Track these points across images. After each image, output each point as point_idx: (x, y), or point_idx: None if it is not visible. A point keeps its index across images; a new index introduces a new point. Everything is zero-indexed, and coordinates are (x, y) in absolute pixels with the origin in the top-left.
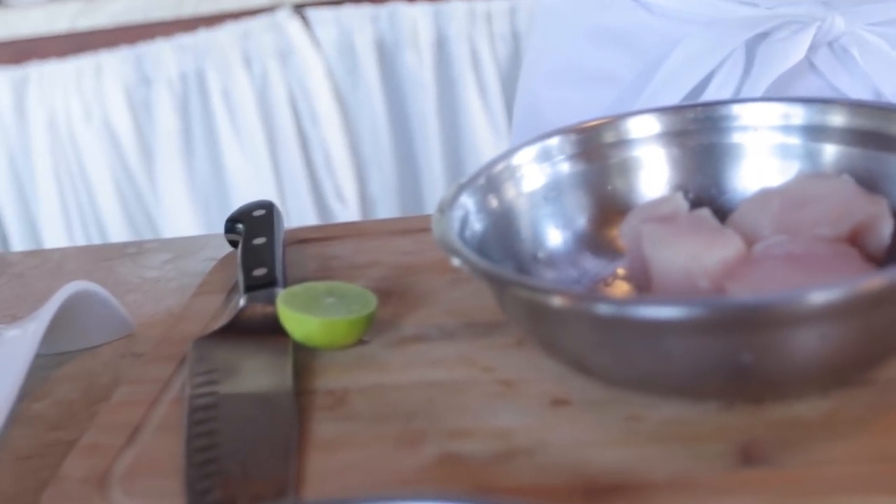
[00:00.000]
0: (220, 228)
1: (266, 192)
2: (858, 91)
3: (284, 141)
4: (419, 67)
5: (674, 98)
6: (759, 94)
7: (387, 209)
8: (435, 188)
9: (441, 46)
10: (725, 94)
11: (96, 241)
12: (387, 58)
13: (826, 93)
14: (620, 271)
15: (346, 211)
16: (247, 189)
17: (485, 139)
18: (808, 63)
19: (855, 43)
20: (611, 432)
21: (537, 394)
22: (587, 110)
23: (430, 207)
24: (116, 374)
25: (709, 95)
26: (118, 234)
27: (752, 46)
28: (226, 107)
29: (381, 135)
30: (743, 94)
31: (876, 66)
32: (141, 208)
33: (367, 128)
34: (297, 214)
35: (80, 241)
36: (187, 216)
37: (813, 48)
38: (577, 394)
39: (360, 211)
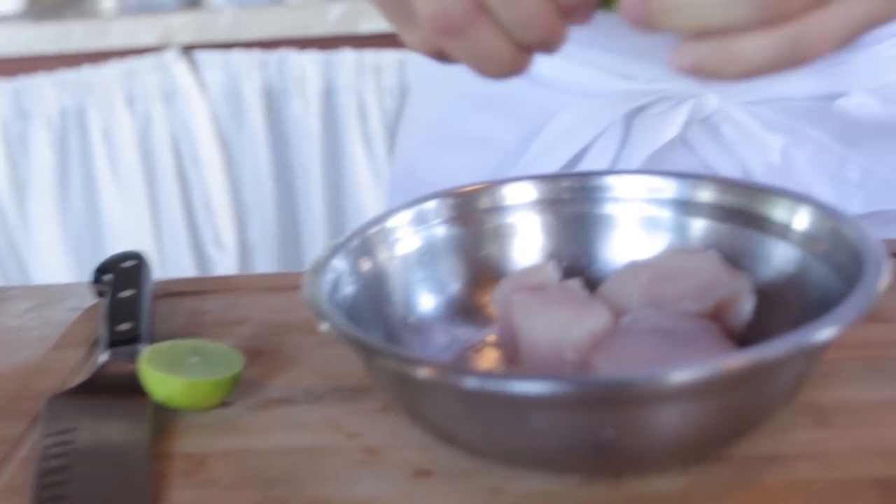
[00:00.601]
0: (94, 272)
1: (143, 236)
2: (728, 167)
3: (164, 184)
4: (306, 116)
5: (551, 167)
6: (634, 166)
7: (266, 257)
8: (316, 237)
9: (329, 96)
10: (602, 166)
11: None
12: (273, 104)
13: (698, 168)
14: (491, 338)
15: (225, 257)
16: (123, 232)
17: (368, 190)
18: (682, 138)
19: (727, 121)
20: None
21: (401, 462)
22: (464, 174)
23: (310, 258)
24: None
25: (585, 166)
26: None
27: (630, 120)
28: (106, 146)
29: (263, 182)
30: (619, 167)
31: (745, 145)
32: (10, 247)
33: (249, 174)
34: (174, 259)
35: None
36: (59, 258)
37: (687, 124)
38: (441, 463)
39: (239, 258)
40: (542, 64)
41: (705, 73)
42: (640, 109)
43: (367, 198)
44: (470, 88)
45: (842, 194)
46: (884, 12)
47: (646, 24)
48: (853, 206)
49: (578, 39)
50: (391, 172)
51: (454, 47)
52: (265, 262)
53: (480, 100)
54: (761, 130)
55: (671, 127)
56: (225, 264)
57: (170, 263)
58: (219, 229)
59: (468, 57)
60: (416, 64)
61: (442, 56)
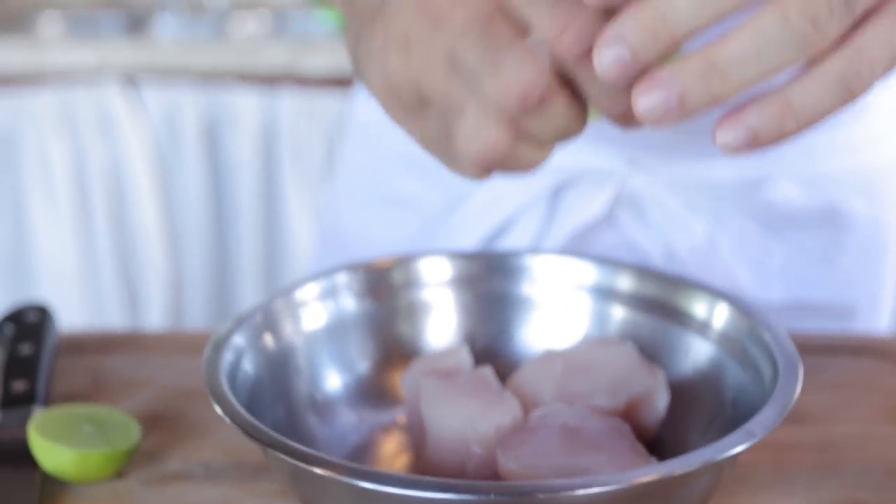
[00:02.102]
0: (18, 303)
1: (71, 266)
2: (654, 248)
3: (97, 214)
4: (243, 152)
5: (475, 234)
6: (559, 241)
7: (195, 291)
8: (246, 275)
9: (268, 134)
10: (526, 238)
11: None
12: (212, 138)
13: (623, 246)
14: (401, 419)
15: (154, 292)
16: (51, 262)
17: (301, 232)
18: (609, 217)
19: (652, 201)
20: None
21: None
22: (389, 236)
23: (240, 296)
24: None
25: (510, 237)
26: None
27: (556, 194)
28: (38, 173)
29: (198, 217)
30: (544, 240)
31: (670, 226)
32: None
33: (184, 208)
34: (103, 292)
35: None
36: None
37: (613, 203)
38: None
39: (170, 293)
40: None
41: (762, 141)
42: (567, 184)
43: (301, 238)
44: (402, 149)
45: (763, 280)
46: None
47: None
48: (774, 292)
49: None
50: (319, 223)
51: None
52: (193, 297)
53: (411, 161)
54: (686, 213)
55: (596, 205)
56: (155, 301)
57: (98, 298)
58: (150, 263)
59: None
60: (356, 115)
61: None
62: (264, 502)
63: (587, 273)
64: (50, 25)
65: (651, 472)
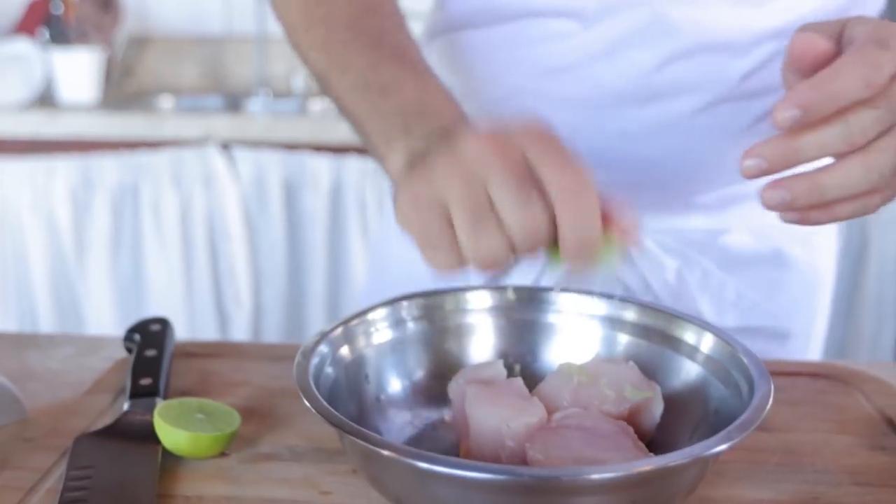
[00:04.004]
0: (135, 321)
1: (177, 293)
2: (634, 282)
3: (198, 251)
4: (316, 206)
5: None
6: (556, 275)
7: (274, 318)
8: (317, 305)
9: (336, 192)
10: (531, 273)
11: (27, 320)
12: (291, 194)
13: (610, 280)
14: (447, 418)
15: (241, 315)
16: (161, 288)
17: (362, 272)
18: None
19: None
20: None
21: None
22: (425, 268)
23: (310, 323)
24: (6, 455)
25: (517, 272)
26: (46, 315)
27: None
28: (153, 217)
29: (278, 257)
30: (544, 275)
31: (647, 265)
32: (69, 295)
33: (267, 249)
34: (200, 313)
35: (12, 319)
36: (108, 307)
37: None
38: None
39: (252, 317)
40: None
41: (797, 206)
42: None
43: (359, 276)
44: None
45: (720, 310)
46: None
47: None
48: (728, 320)
49: None
50: (370, 255)
51: None
52: (274, 321)
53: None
54: (661, 254)
55: None
56: (241, 321)
57: (196, 317)
58: (238, 292)
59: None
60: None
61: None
62: (338, 479)
63: (599, 306)
64: (165, 103)
65: (651, 463)
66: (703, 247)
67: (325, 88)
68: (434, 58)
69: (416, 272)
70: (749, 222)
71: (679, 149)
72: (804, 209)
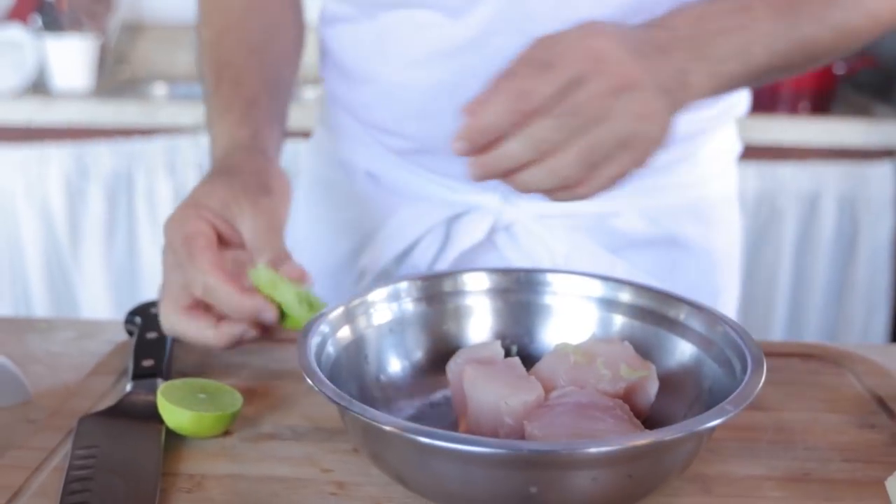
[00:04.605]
0: (129, 307)
1: None
2: (522, 265)
3: None
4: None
5: (390, 254)
6: (451, 259)
7: None
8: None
9: None
10: (427, 259)
11: (21, 305)
12: None
13: (500, 264)
14: (446, 397)
15: None
16: (156, 275)
17: None
18: (491, 242)
19: (523, 229)
20: None
21: (364, 497)
22: (329, 255)
23: None
24: (10, 436)
25: (415, 257)
26: (41, 302)
27: (450, 223)
28: (147, 204)
29: None
30: (440, 261)
31: (537, 249)
32: (64, 281)
33: None
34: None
35: (7, 305)
36: (102, 293)
37: (493, 230)
38: (396, 500)
39: None
40: (386, 169)
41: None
42: (458, 216)
43: None
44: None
45: None
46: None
47: None
48: None
49: (416, 159)
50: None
51: None
52: None
53: (345, 198)
54: (549, 238)
55: (479, 231)
56: None
57: None
58: None
59: None
60: (307, 161)
61: None
62: (339, 458)
63: (595, 288)
64: (159, 90)
65: (647, 437)
66: (591, 230)
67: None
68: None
69: (325, 253)
70: (639, 204)
71: None
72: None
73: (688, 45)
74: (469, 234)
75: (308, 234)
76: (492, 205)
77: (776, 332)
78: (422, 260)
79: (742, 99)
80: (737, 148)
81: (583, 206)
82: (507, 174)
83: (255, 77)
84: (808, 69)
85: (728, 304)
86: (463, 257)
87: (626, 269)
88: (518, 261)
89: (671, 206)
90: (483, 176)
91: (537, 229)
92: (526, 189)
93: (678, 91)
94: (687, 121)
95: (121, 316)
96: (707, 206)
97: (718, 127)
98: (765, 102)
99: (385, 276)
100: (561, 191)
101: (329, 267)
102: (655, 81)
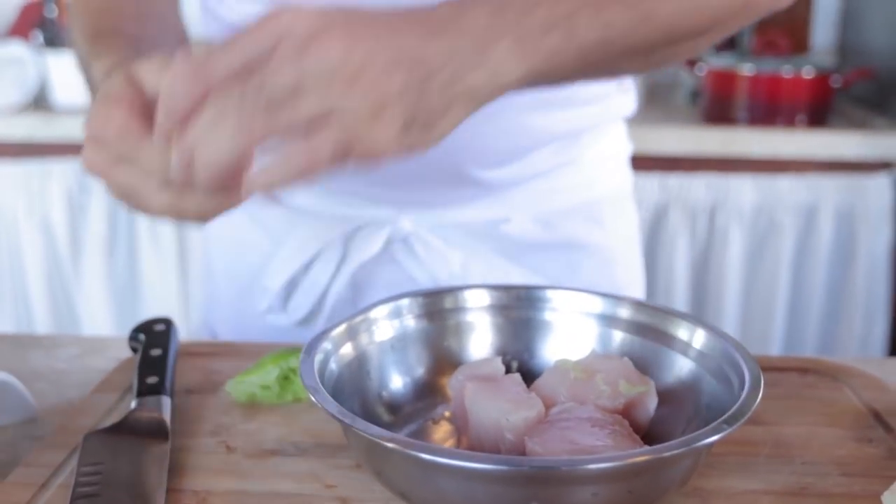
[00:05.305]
0: (130, 322)
1: (171, 296)
2: (423, 278)
3: (193, 254)
4: None
5: (291, 268)
6: (350, 273)
7: None
8: None
9: None
10: (327, 273)
11: (23, 321)
12: None
13: (401, 278)
14: (447, 413)
15: None
16: (156, 291)
17: None
18: (390, 254)
19: (419, 241)
20: None
21: None
22: (237, 269)
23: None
24: (16, 453)
25: (315, 271)
26: (42, 317)
27: (348, 238)
28: (148, 221)
29: None
30: (340, 272)
31: (433, 259)
32: (64, 296)
33: None
34: (195, 316)
35: (8, 321)
36: (103, 308)
37: (390, 242)
38: None
39: None
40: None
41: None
42: (355, 231)
43: None
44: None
45: None
46: (358, 143)
47: None
48: None
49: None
50: (202, 258)
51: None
52: None
53: (245, 217)
54: (445, 248)
55: (376, 244)
56: None
57: (191, 319)
58: None
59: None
60: None
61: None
62: (342, 473)
63: (594, 304)
64: None
65: (646, 453)
66: (485, 237)
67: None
68: None
69: (233, 271)
70: (530, 209)
71: None
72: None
73: (489, 20)
74: (366, 248)
75: (213, 257)
76: (387, 217)
77: (774, 344)
78: (321, 275)
79: (627, 99)
80: (627, 149)
81: (474, 213)
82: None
83: (133, 31)
84: (677, 54)
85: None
86: (361, 271)
87: (523, 273)
88: (417, 272)
89: (562, 209)
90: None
91: (433, 239)
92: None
93: (451, 69)
94: (564, 120)
95: (122, 331)
96: (599, 206)
97: (602, 127)
98: (762, 115)
99: (283, 295)
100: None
101: (233, 289)
102: (392, 52)
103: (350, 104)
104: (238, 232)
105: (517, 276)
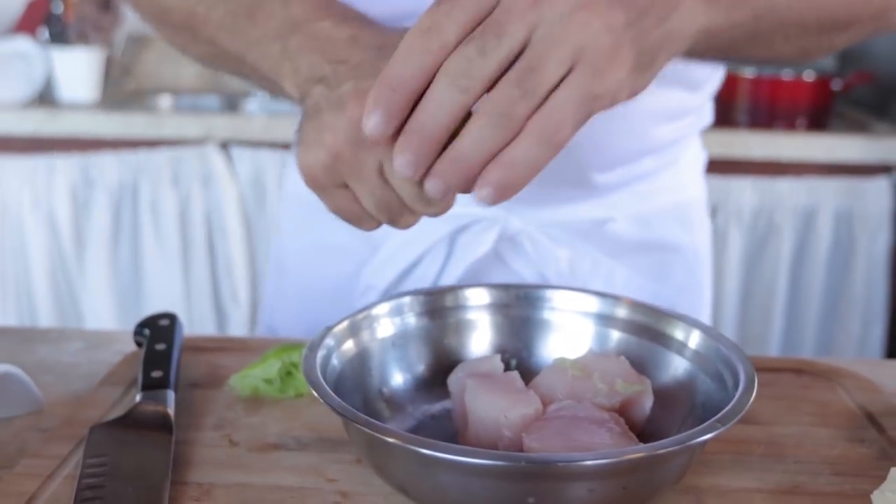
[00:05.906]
0: (134, 317)
1: (175, 289)
2: (530, 275)
3: (196, 249)
4: None
5: (393, 271)
6: (457, 275)
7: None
8: None
9: None
10: (432, 274)
11: (27, 315)
12: None
13: (509, 276)
14: (447, 410)
15: (238, 312)
16: (160, 285)
17: None
18: (496, 253)
19: (527, 239)
20: None
21: None
22: (326, 277)
23: None
24: (23, 444)
25: (418, 274)
26: (46, 311)
27: (454, 237)
28: (152, 216)
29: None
30: (445, 275)
31: (541, 257)
32: (69, 291)
33: (264, 248)
34: (198, 310)
35: (12, 317)
36: (107, 302)
37: (498, 241)
38: None
39: (249, 313)
40: None
41: (506, 194)
42: (461, 229)
43: None
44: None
45: None
46: (601, 88)
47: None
48: None
49: None
50: (272, 271)
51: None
52: None
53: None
54: (553, 246)
55: (485, 243)
56: (238, 318)
57: (194, 313)
58: (236, 289)
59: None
60: (290, 181)
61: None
62: (343, 468)
63: (592, 304)
64: (164, 102)
65: (641, 450)
66: (591, 236)
67: (194, 40)
68: None
69: (317, 281)
70: (630, 210)
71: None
72: (463, 186)
73: None
74: (474, 247)
75: (297, 258)
76: (496, 216)
77: (773, 345)
78: (426, 276)
79: (707, 112)
80: (703, 157)
81: (581, 212)
82: (460, 163)
83: None
84: (820, 45)
85: (707, 300)
86: (468, 271)
87: (625, 272)
88: (524, 270)
89: (659, 211)
90: (445, 186)
91: (541, 237)
92: (463, 158)
93: (655, 10)
94: (677, 128)
95: (125, 326)
96: (688, 209)
97: (692, 135)
98: (763, 118)
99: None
100: (512, 148)
101: (325, 290)
102: None
103: (591, 42)
104: (328, 232)
105: (621, 275)
